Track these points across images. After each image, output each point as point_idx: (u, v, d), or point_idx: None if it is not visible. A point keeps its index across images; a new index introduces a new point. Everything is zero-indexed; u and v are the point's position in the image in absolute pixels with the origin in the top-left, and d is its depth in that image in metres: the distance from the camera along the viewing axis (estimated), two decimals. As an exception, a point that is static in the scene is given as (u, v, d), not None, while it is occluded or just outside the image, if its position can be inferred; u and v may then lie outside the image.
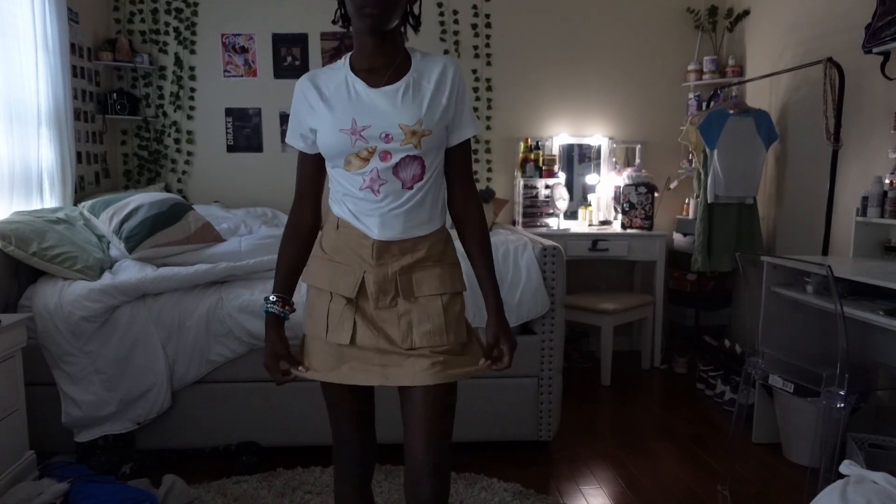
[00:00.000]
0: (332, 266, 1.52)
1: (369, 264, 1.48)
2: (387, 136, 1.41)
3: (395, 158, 1.43)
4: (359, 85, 1.44)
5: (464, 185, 1.56)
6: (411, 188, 1.46)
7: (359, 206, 1.47)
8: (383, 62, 1.44)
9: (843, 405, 2.16)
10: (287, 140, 1.57)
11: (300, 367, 1.52)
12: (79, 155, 3.57)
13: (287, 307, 1.53)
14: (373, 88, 1.43)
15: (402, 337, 1.47)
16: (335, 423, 1.61)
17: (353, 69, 1.46)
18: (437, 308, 1.50)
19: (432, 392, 1.48)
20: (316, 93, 1.46)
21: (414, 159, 1.44)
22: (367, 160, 1.43)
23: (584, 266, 4.14)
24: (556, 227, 4.10)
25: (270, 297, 1.53)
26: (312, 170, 1.56)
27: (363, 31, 1.41)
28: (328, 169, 1.53)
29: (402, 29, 1.50)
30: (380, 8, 1.35)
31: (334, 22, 1.50)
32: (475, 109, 4.19)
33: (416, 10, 1.51)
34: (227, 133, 4.17)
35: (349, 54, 1.49)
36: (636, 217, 4.05)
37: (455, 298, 1.54)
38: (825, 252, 3.19)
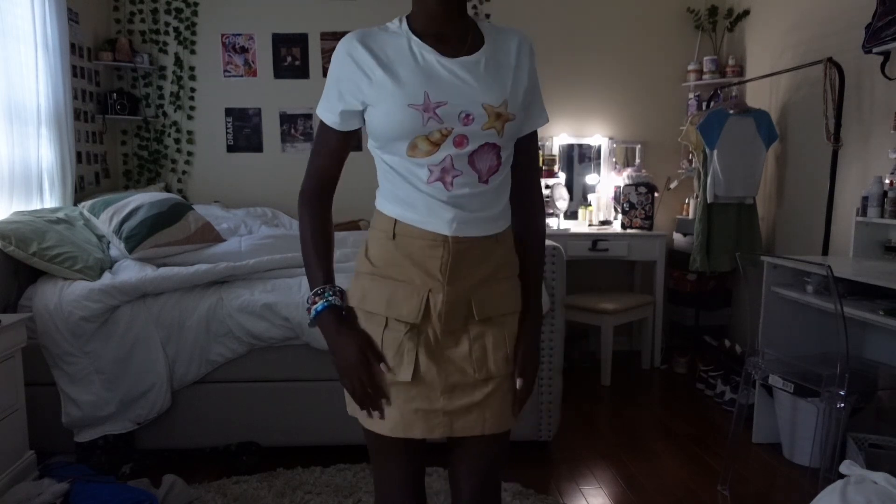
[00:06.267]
0: (387, 285, 1.24)
1: (437, 280, 1.21)
2: (467, 116, 1.16)
3: (473, 146, 1.18)
4: (427, 52, 1.18)
5: (534, 189, 1.35)
6: (486, 182, 1.21)
7: (426, 200, 1.20)
8: (453, 28, 1.19)
9: (843, 405, 2.16)
10: (319, 112, 1.26)
11: (382, 365, 1.23)
12: (79, 155, 3.57)
13: (342, 298, 1.26)
14: (447, 58, 1.17)
15: (475, 365, 1.25)
16: (380, 478, 1.36)
17: (415, 34, 1.20)
18: (514, 328, 1.29)
19: (496, 438, 1.31)
20: (371, 58, 1.17)
21: (492, 148, 1.20)
22: (437, 145, 1.17)
23: (584, 266, 4.14)
24: (556, 227, 4.10)
25: (326, 290, 1.24)
26: (340, 151, 1.28)
27: None
28: (379, 158, 1.26)
29: None
30: None
31: None
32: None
33: None
34: (227, 133, 4.17)
35: (403, 16, 1.23)
36: (636, 217, 4.05)
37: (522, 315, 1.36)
38: (825, 252, 3.18)
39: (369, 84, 1.18)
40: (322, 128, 1.27)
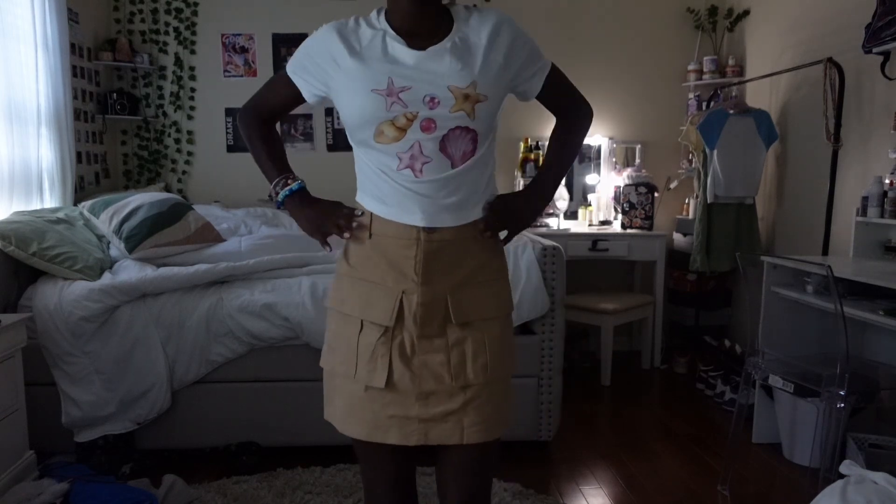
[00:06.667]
0: (363, 287, 1.25)
1: (412, 281, 1.21)
2: (432, 99, 1.16)
3: (442, 130, 1.17)
4: (398, 43, 1.20)
5: (575, 102, 1.39)
6: (460, 167, 1.20)
7: (397, 190, 1.20)
8: (425, 27, 1.21)
9: (843, 405, 2.16)
10: (289, 70, 1.31)
11: (356, 211, 1.28)
12: (79, 155, 3.57)
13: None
14: (416, 50, 1.19)
15: (453, 373, 1.23)
16: (366, 479, 1.38)
17: (391, 27, 1.23)
18: (496, 333, 1.27)
19: (480, 448, 1.28)
20: (344, 47, 1.21)
21: (465, 132, 1.18)
22: (403, 130, 1.16)
23: (584, 266, 4.14)
24: (556, 227, 4.10)
25: (297, 177, 1.33)
26: (291, 103, 1.36)
27: None
28: (356, 152, 1.29)
29: None
30: None
31: None
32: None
33: None
34: (227, 133, 4.17)
35: (382, 9, 1.26)
36: (636, 217, 4.05)
37: (509, 320, 1.34)
38: (825, 252, 3.18)
39: (337, 71, 1.22)
40: (284, 79, 1.32)
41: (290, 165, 1.40)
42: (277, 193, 1.32)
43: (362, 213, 1.26)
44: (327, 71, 1.23)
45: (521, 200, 1.35)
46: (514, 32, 1.25)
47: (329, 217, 1.29)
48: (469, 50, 1.20)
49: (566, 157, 1.39)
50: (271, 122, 1.41)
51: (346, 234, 1.27)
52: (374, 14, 1.26)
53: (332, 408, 1.34)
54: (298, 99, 1.33)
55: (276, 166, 1.35)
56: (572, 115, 1.39)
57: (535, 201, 1.36)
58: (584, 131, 1.40)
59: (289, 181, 1.32)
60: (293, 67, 1.30)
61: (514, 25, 1.25)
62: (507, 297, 1.33)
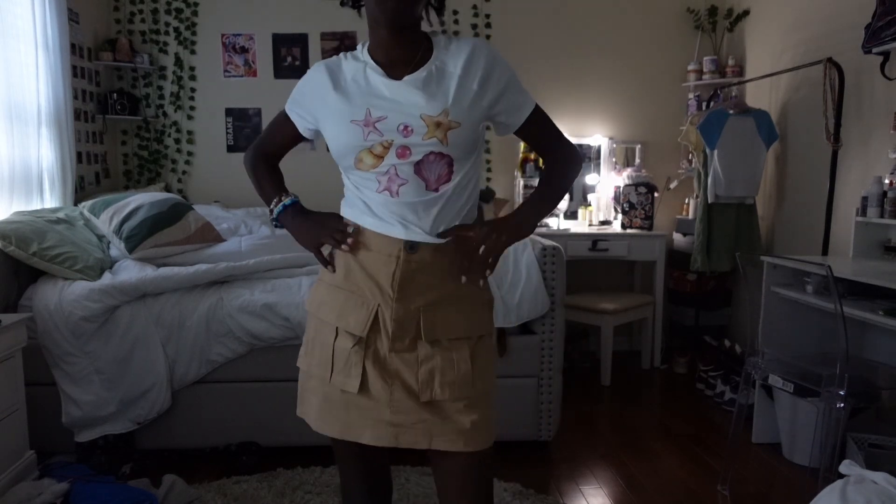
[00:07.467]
0: (342, 295, 1.31)
1: (388, 296, 1.27)
2: (405, 128, 1.22)
3: (416, 156, 1.23)
4: (377, 75, 1.26)
5: (557, 149, 1.39)
6: (436, 190, 1.26)
7: (379, 209, 1.27)
8: (403, 54, 1.27)
9: (842, 405, 2.16)
10: (288, 108, 1.42)
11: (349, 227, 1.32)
12: (79, 155, 3.57)
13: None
14: (393, 80, 1.25)
15: (421, 387, 1.27)
16: (343, 476, 1.47)
17: (372, 59, 1.30)
18: (465, 355, 1.29)
19: (466, 461, 1.29)
20: (330, 82, 1.29)
21: (440, 158, 1.24)
22: (381, 157, 1.23)
23: (584, 266, 4.14)
24: (556, 227, 4.10)
25: (289, 194, 1.40)
26: (291, 142, 1.46)
27: (381, 22, 1.24)
28: (342, 174, 1.36)
29: (425, 14, 1.33)
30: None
31: (343, 3, 1.34)
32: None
33: None
34: (227, 133, 4.17)
35: (366, 42, 1.33)
36: (636, 217, 4.05)
37: (483, 342, 1.34)
38: (825, 252, 3.19)
39: (324, 104, 1.31)
40: (283, 116, 1.43)
41: (293, 165, 1.51)
42: (272, 212, 1.41)
43: (354, 230, 1.32)
44: (316, 105, 1.33)
45: (512, 223, 1.34)
46: (491, 60, 1.28)
47: (323, 228, 1.34)
48: (443, 78, 1.25)
49: (554, 192, 1.39)
50: (274, 160, 1.50)
51: (345, 247, 1.31)
52: (359, 47, 1.33)
53: (307, 406, 1.41)
54: (298, 136, 1.44)
55: (273, 190, 1.44)
56: (558, 153, 1.40)
57: (513, 226, 1.33)
58: (573, 170, 1.40)
59: (282, 198, 1.40)
60: (289, 104, 1.41)
61: (491, 53, 1.29)
62: (480, 321, 1.34)
